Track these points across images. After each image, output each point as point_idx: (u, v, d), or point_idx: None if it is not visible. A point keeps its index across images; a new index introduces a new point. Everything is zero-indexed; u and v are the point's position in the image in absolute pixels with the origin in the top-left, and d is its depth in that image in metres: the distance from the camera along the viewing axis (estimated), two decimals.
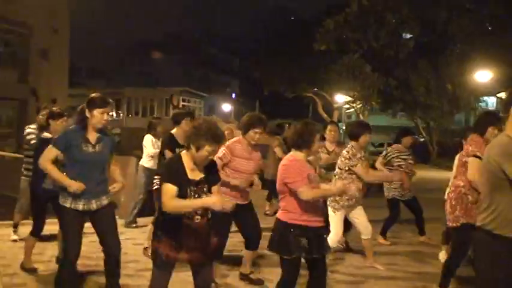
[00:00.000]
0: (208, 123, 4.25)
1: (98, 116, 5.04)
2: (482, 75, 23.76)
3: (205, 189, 4.29)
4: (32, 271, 6.48)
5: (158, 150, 8.29)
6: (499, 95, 28.53)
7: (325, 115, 34.19)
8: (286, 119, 45.93)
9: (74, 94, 38.83)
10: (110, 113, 5.18)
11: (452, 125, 31.97)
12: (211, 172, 4.40)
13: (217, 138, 4.19)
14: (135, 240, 8.04)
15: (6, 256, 7.17)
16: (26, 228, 7.45)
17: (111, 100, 5.25)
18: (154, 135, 9.51)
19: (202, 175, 4.30)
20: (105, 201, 5.19)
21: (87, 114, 5.06)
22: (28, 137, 7.66)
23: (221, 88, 65.13)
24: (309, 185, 4.69)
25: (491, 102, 50.42)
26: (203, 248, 4.32)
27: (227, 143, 6.05)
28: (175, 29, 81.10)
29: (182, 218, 4.17)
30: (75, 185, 4.91)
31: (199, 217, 4.24)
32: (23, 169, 7.84)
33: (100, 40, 70.91)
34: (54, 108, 6.68)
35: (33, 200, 6.45)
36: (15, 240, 8.03)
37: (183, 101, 54.99)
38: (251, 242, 6.31)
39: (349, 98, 29.57)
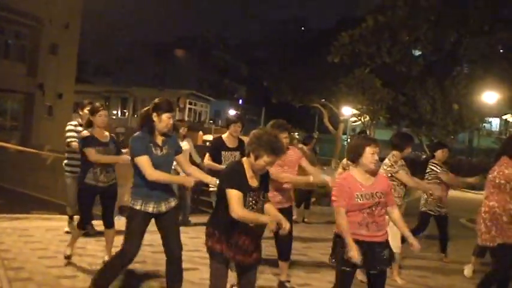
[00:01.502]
0: (270, 135, 4.32)
1: (165, 120, 5.09)
2: (490, 96, 23.75)
3: (261, 196, 4.42)
4: (67, 258, 6.63)
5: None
6: (504, 116, 28.51)
7: (330, 127, 34.17)
8: (292, 128, 46.02)
9: (80, 90, 38.93)
10: (174, 117, 5.23)
11: (456, 144, 31.95)
12: (266, 180, 4.54)
13: (277, 151, 4.25)
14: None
15: (11, 249, 7.10)
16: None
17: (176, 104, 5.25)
18: (177, 137, 9.53)
19: (259, 183, 4.41)
20: (172, 203, 5.26)
21: (155, 118, 5.09)
22: (68, 138, 7.94)
23: (228, 93, 65.24)
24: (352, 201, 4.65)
25: (495, 123, 50.38)
26: (254, 251, 4.41)
27: None
28: (187, 32, 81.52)
29: (239, 222, 4.22)
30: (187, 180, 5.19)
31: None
32: (65, 165, 8.14)
33: (109, 38, 71.11)
34: (96, 104, 6.82)
35: (79, 195, 6.58)
36: (68, 232, 8.13)
37: (190, 103, 55.02)
38: (281, 253, 6.35)
39: (356, 111, 29.51)
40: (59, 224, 8.92)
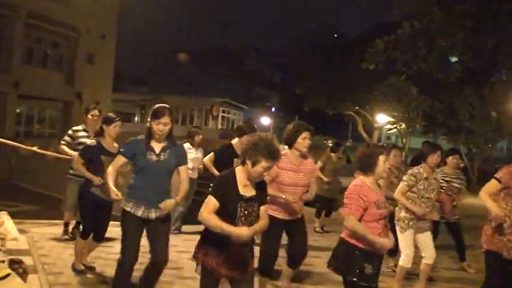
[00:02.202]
0: (266, 140, 4.23)
1: (154, 127, 5.12)
2: None
3: (255, 207, 4.28)
4: (81, 272, 6.48)
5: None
6: None
7: (364, 134, 33.89)
8: (325, 136, 46.03)
9: (117, 99, 39.45)
10: (167, 123, 5.14)
11: (495, 152, 31.42)
12: (262, 190, 4.39)
13: (274, 155, 4.18)
14: (178, 247, 8.02)
15: (51, 255, 7.20)
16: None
17: (167, 111, 5.19)
18: (192, 144, 9.65)
19: (254, 192, 4.29)
20: (163, 212, 5.20)
21: (151, 124, 5.16)
22: (62, 141, 8.00)
23: (261, 101, 65.30)
24: (358, 216, 4.55)
25: None
26: (244, 265, 4.31)
27: None
28: (220, 41, 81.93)
29: (230, 236, 4.15)
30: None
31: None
32: (70, 168, 8.04)
33: (144, 48, 71.90)
34: (109, 114, 6.74)
35: (81, 203, 6.57)
36: (66, 239, 8.09)
37: (223, 111, 55.29)
38: (293, 261, 6.18)
39: (391, 119, 29.25)
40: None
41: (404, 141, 29.22)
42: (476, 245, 8.36)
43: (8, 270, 4.85)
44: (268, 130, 54.41)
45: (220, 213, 4.14)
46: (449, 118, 26.55)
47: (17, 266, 5.08)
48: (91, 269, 6.58)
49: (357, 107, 33.02)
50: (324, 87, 32.19)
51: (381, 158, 4.68)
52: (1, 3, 23.07)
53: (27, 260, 5.99)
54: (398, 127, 28.98)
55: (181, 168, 5.27)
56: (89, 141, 6.79)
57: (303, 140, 5.85)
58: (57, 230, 8.63)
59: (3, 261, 4.93)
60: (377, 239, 4.51)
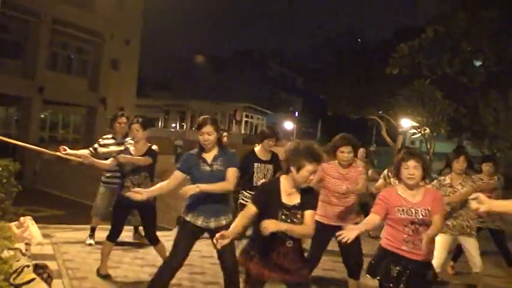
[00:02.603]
0: (306, 144, 4.28)
1: (199, 138, 5.27)
2: None
3: (298, 215, 4.23)
4: (106, 277, 6.50)
5: None
6: None
7: (388, 139, 33.72)
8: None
9: (141, 104, 39.62)
10: (210, 133, 5.24)
11: None
12: (307, 198, 4.32)
13: (317, 157, 4.19)
14: (201, 252, 8.02)
15: (75, 259, 7.25)
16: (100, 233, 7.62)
17: (209, 121, 5.29)
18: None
19: (298, 200, 4.26)
20: (223, 221, 5.30)
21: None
22: (110, 150, 7.94)
23: (284, 106, 65.24)
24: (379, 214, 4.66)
25: None
26: (296, 269, 4.29)
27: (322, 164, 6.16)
28: (243, 46, 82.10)
29: (276, 241, 4.17)
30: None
31: (291, 241, 4.24)
32: (103, 176, 8.29)
33: (168, 53, 72.24)
34: (135, 118, 6.90)
35: (116, 207, 6.68)
36: (90, 244, 8.17)
37: (246, 116, 55.29)
38: (350, 271, 6.25)
39: (415, 124, 29.03)
40: (122, 234, 9.06)
41: (428, 146, 28.98)
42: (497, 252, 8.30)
43: (33, 275, 4.89)
44: (291, 135, 54.38)
45: (261, 220, 4.12)
46: (474, 123, 26.28)
47: (41, 271, 5.12)
48: (107, 276, 6.59)
49: (380, 112, 32.86)
50: (348, 92, 32.08)
51: (403, 164, 4.73)
52: (26, 9, 23.33)
53: (52, 265, 6.03)
54: (422, 132, 28.75)
55: (228, 169, 5.28)
56: (117, 148, 6.93)
57: (342, 154, 6.09)
58: (81, 234, 8.69)
59: (28, 266, 4.97)
60: (360, 229, 4.52)
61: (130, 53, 30.16)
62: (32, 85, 24.05)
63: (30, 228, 6.12)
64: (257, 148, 7.41)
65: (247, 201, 6.56)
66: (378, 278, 4.61)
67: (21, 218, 6.27)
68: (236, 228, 4.20)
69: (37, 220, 6.50)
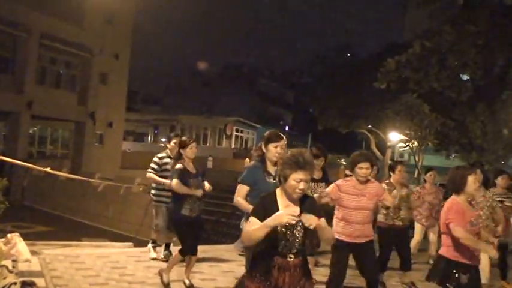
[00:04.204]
0: (293, 152, 4.04)
1: (272, 150, 5.45)
2: None
3: (299, 227, 3.99)
4: (165, 284, 6.83)
5: None
6: None
7: (378, 152, 33.85)
8: (339, 155, 45.99)
9: (130, 119, 39.57)
10: (284, 146, 5.48)
11: (507, 169, 31.17)
12: (308, 208, 4.07)
13: (300, 164, 3.92)
14: (203, 274, 7.97)
15: (63, 276, 7.18)
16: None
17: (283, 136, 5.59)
18: None
19: (297, 212, 3.99)
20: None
21: (264, 149, 5.54)
22: (149, 169, 8.42)
23: (274, 120, 65.23)
24: (466, 227, 4.88)
25: None
26: (300, 285, 4.06)
27: (338, 181, 6.35)
28: (233, 60, 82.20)
29: (274, 257, 3.99)
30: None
31: (292, 256, 4.01)
32: (153, 195, 8.74)
33: (158, 67, 72.28)
34: (183, 138, 7.27)
35: (175, 226, 7.02)
36: (155, 259, 8.48)
37: (237, 131, 55.34)
38: (369, 286, 6.33)
39: (403, 137, 29.20)
40: (110, 251, 9.04)
41: (417, 158, 29.14)
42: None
43: None
44: None
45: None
46: (462, 136, 26.49)
47: None
48: (191, 286, 6.93)
49: (369, 126, 33.05)
50: (337, 106, 32.26)
51: (470, 178, 4.96)
52: (15, 24, 23.32)
53: (40, 282, 6.00)
54: (411, 145, 28.94)
55: None
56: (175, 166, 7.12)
57: (360, 170, 6.18)
58: (70, 251, 8.65)
59: (15, 283, 4.94)
60: (481, 243, 4.91)
61: (119, 67, 30.16)
62: (21, 100, 24.01)
63: (17, 245, 6.09)
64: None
65: None
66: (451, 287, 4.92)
67: (9, 235, 6.25)
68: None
69: (25, 237, 6.47)
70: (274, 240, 3.96)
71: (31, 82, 24.80)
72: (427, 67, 17.96)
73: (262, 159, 5.50)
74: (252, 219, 4.01)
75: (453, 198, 5.04)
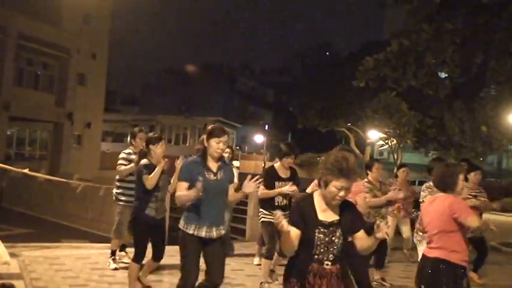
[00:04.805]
0: (336, 156, 3.78)
1: (213, 145, 5.10)
2: None
3: (337, 233, 3.82)
4: None
5: None
6: None
7: (357, 151, 34.04)
8: (318, 153, 46.12)
9: (109, 119, 39.35)
10: (226, 142, 5.20)
11: (485, 166, 31.58)
12: (347, 215, 3.89)
13: (344, 172, 3.69)
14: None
15: (42, 278, 7.13)
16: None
17: (227, 130, 5.40)
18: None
19: (336, 217, 3.84)
20: (222, 230, 5.25)
21: (205, 143, 5.16)
22: (119, 166, 7.86)
23: (254, 119, 65.33)
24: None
25: None
26: None
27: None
28: (212, 60, 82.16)
29: (312, 263, 3.82)
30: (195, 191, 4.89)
31: (329, 263, 3.81)
32: (118, 194, 7.96)
33: (136, 67, 72.02)
34: (151, 134, 6.83)
35: (135, 226, 6.47)
36: (116, 269, 7.83)
37: None
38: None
39: (382, 135, 29.41)
40: (89, 252, 8.98)
41: (396, 156, 29.37)
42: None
43: None
44: (261, 148, 54.45)
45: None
46: (440, 133, 26.75)
47: None
48: None
49: (349, 124, 33.24)
50: (316, 105, 32.42)
51: (460, 176, 4.79)
52: None
53: (19, 284, 5.96)
54: (390, 143, 29.17)
55: (231, 186, 5.33)
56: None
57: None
58: (49, 253, 8.58)
59: None
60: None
61: (97, 68, 30.02)
62: None
63: None
64: (277, 165, 7.35)
65: (270, 219, 6.65)
66: None
67: None
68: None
69: (3, 239, 6.40)
70: (311, 245, 3.80)
71: (8, 83, 24.55)
72: (405, 65, 18.07)
73: (203, 153, 5.18)
74: (291, 228, 3.73)
75: (441, 195, 4.80)
